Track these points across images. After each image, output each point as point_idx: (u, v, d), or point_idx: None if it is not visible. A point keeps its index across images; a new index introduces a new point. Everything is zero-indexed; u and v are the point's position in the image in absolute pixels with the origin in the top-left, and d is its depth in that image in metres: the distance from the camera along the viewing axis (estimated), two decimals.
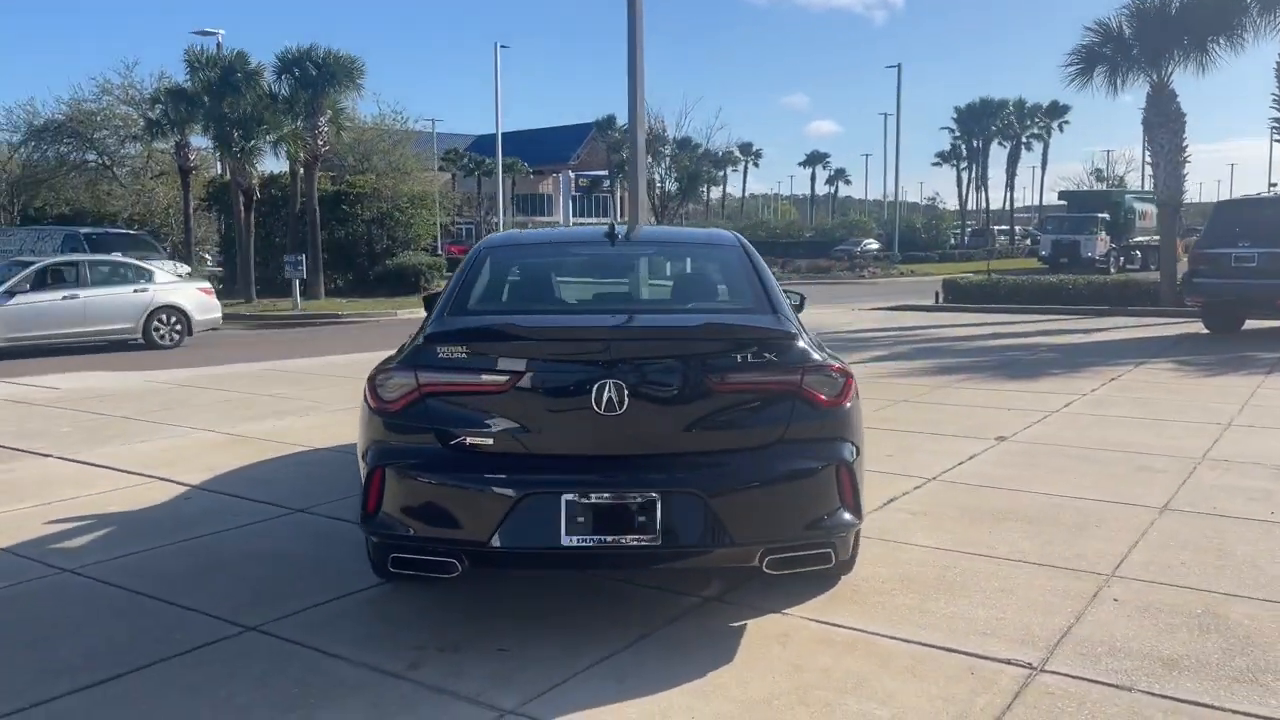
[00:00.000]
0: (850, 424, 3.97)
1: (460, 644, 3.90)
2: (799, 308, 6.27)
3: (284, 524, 5.53)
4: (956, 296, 23.48)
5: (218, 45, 30.82)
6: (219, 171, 33.93)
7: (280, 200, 30.06)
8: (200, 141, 30.00)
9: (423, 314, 4.48)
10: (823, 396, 3.84)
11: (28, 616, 4.22)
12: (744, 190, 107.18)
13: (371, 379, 3.89)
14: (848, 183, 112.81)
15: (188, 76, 27.27)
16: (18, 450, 7.52)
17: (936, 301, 23.56)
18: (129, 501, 6.03)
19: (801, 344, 3.86)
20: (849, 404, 3.94)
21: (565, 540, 3.62)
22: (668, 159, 48.76)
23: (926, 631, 4.02)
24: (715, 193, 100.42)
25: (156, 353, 15.63)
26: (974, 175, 76.14)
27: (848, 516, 3.88)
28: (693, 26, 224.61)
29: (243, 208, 27.05)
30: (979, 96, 73.52)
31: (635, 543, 3.63)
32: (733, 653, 3.81)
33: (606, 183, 65.14)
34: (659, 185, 48.31)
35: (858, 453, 4.01)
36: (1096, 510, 5.75)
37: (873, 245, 63.51)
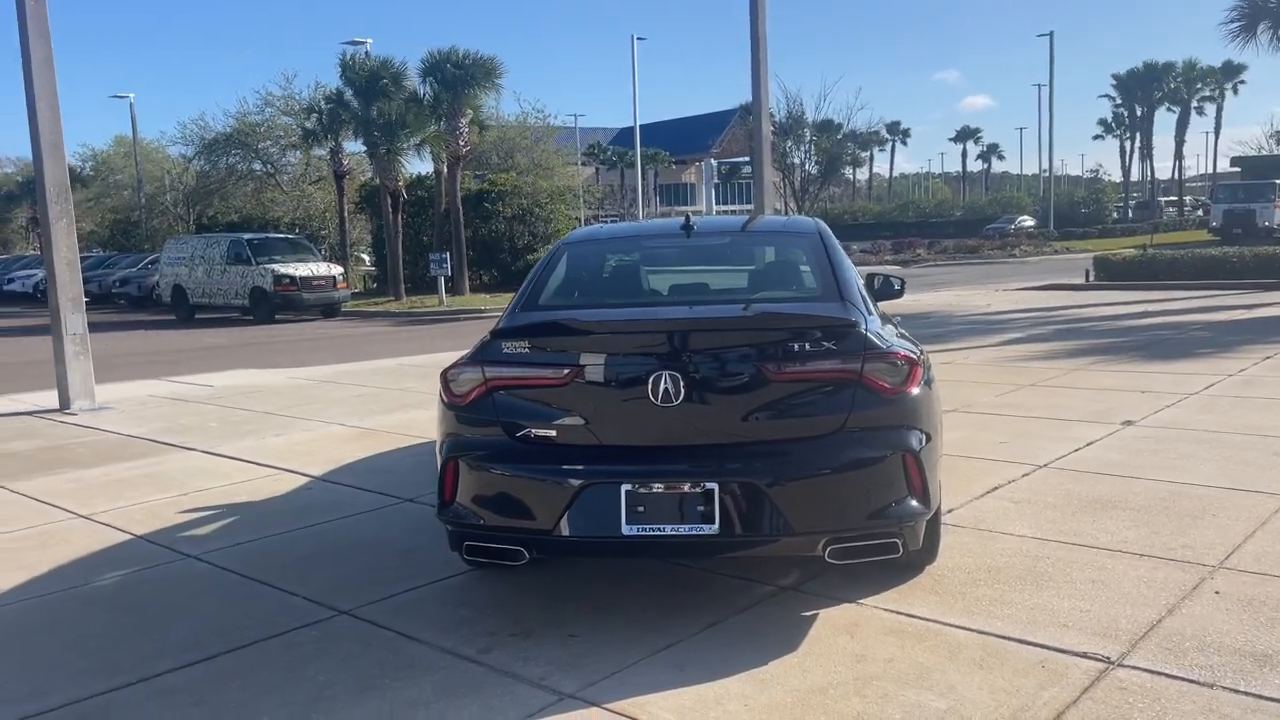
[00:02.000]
0: (918, 411, 3.90)
1: (533, 630, 4.03)
2: (897, 293, 6.18)
3: (391, 513, 5.80)
4: (1108, 274, 22.40)
5: (366, 54, 32.12)
6: (370, 175, 35.40)
7: (427, 200, 31.10)
8: (353, 147, 31.31)
9: None
10: (886, 384, 3.79)
11: (148, 600, 4.58)
12: (891, 170, 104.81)
13: (444, 375, 4.06)
14: (1001, 158, 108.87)
15: (339, 84, 28.50)
16: (169, 445, 8.11)
17: (1087, 280, 22.54)
18: (256, 492, 6.43)
19: (863, 331, 3.81)
20: (916, 391, 3.87)
21: (626, 529, 3.70)
22: (808, 142, 48.08)
23: (1003, 623, 3.92)
24: (863, 174, 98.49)
25: (302, 351, 16.48)
26: (1138, 144, 72.17)
27: (915, 505, 3.82)
28: (841, 6, 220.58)
29: (390, 209, 28.14)
30: (1141, 61, 69.64)
31: (694, 532, 3.68)
32: (798, 642, 3.82)
33: (746, 169, 64.67)
34: (799, 168, 47.72)
35: (928, 440, 3.95)
36: (1216, 498, 5.46)
37: (1028, 222, 61.07)
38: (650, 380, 3.69)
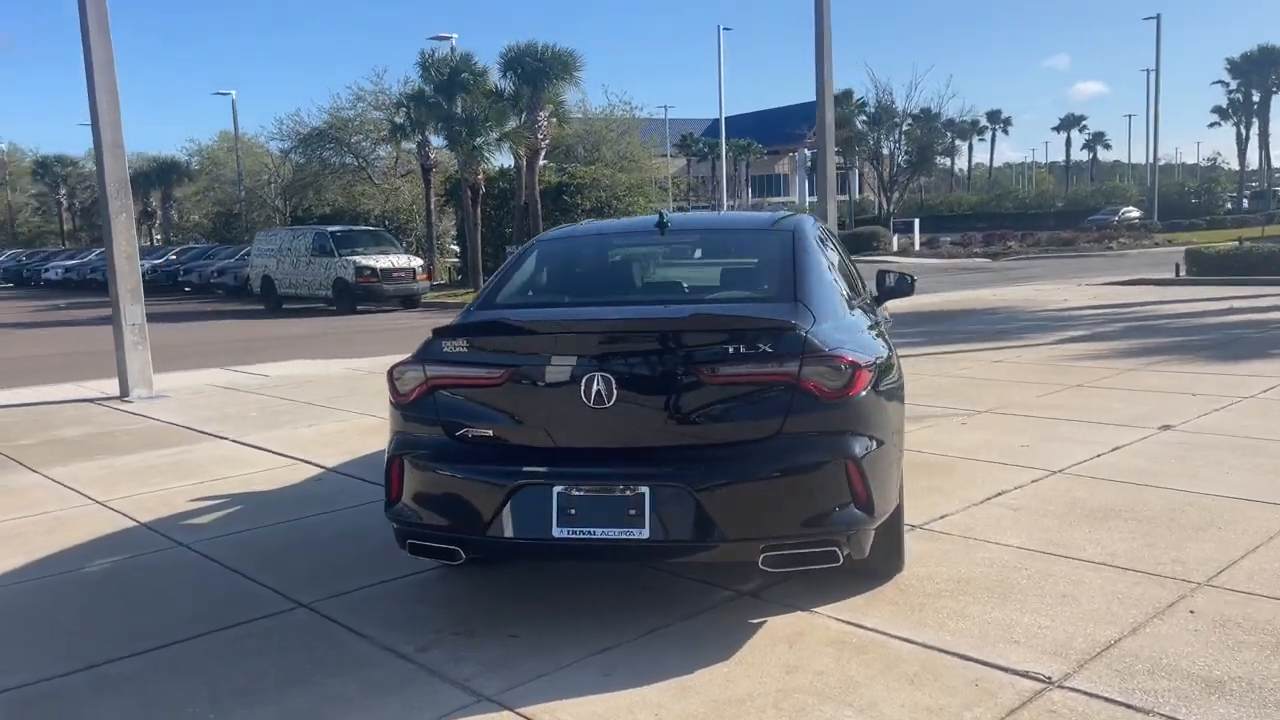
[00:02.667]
0: (863, 416, 3.78)
1: (477, 629, 4.04)
2: (906, 290, 6.03)
3: (380, 507, 5.87)
4: (1201, 268, 21.45)
5: (451, 49, 32.63)
6: (455, 169, 35.99)
7: (508, 193, 31.47)
8: (439, 141, 31.80)
9: None
10: (826, 388, 3.67)
11: (131, 586, 4.73)
12: (992, 159, 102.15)
13: (389, 373, 4.09)
14: (1107, 147, 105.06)
15: (419, 80, 29.02)
16: (205, 433, 8.37)
17: (1176, 274, 21.62)
18: (269, 482, 6.60)
19: (803, 333, 3.70)
20: (861, 395, 3.75)
21: (557, 532, 3.67)
22: (898, 131, 47.20)
23: (952, 637, 3.79)
24: (963, 163, 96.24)
25: (375, 341, 16.82)
26: (1254, 131, 68.91)
27: (857, 513, 3.71)
28: None
29: (470, 202, 28.54)
30: (1256, 44, 66.39)
31: (624, 536, 3.63)
32: (735, 650, 3.74)
33: (836, 159, 63.79)
34: (888, 159, 46.86)
35: (877, 446, 3.83)
36: (1230, 510, 5.18)
37: (1132, 213, 58.96)
38: (583, 381, 3.66)
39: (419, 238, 36.19)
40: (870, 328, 4.70)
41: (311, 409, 9.39)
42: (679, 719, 3.27)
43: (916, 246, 41.96)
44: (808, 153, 73.34)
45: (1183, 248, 25.06)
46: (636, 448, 3.72)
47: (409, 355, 4.09)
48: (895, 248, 41.76)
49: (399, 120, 32.26)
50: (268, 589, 4.59)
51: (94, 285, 39.46)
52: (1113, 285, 21.20)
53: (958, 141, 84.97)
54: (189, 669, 3.78)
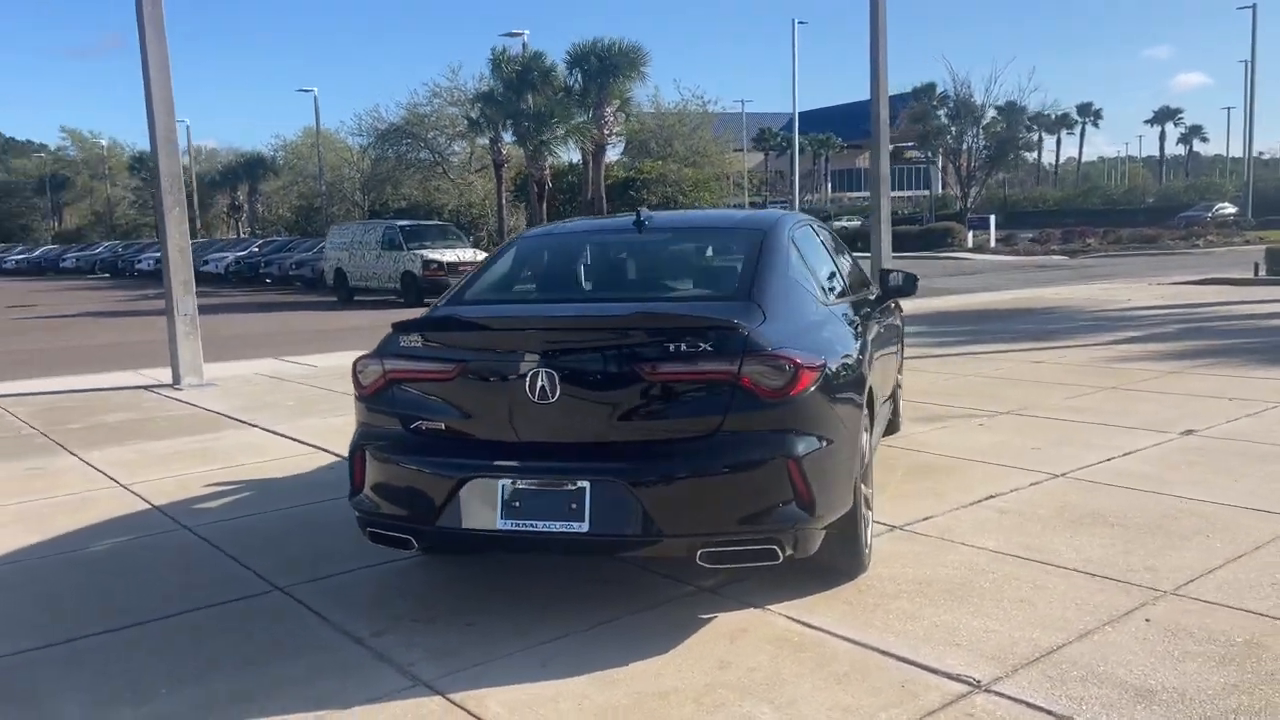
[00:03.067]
0: (808, 416, 3.80)
1: (438, 616, 4.16)
2: (907, 290, 6.00)
3: None
4: None
5: (524, 45, 33.03)
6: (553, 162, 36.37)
7: (577, 188, 31.77)
8: (510, 137, 32.25)
9: None
10: (766, 386, 3.70)
11: (128, 566, 4.97)
12: (1080, 153, 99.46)
13: (354, 366, 4.23)
14: (1204, 140, 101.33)
15: (489, 77, 29.44)
16: (236, 421, 8.68)
17: (1255, 274, 20.87)
18: (284, 469, 6.83)
19: (744, 332, 3.73)
20: (804, 395, 3.76)
21: (500, 524, 3.77)
22: (976, 125, 46.25)
23: (895, 639, 3.79)
24: (1048, 158, 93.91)
25: None
26: None
27: (798, 512, 3.73)
28: None
29: (536, 197, 28.88)
30: None
31: (565, 530, 3.71)
32: (675, 645, 3.79)
33: (909, 152, 62.75)
34: (965, 153, 45.98)
35: (826, 445, 3.84)
36: (1226, 518, 5.06)
37: (1227, 209, 56.89)
38: (528, 377, 3.74)
39: (490, 232, 36.75)
40: (849, 326, 4.69)
41: (346, 399, 9.60)
42: (600, 709, 3.33)
43: (992, 243, 41.11)
44: (891, 145, 72.53)
45: (1276, 246, 24.14)
46: (579, 443, 3.80)
47: (372, 349, 4.22)
48: (970, 244, 40.99)
49: (474, 116, 32.80)
50: (251, 572, 4.77)
51: None
52: (1185, 285, 20.55)
53: (1045, 135, 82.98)
54: (156, 646, 3.97)
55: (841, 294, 5.30)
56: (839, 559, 4.28)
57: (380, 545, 4.16)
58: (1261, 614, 3.89)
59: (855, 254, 6.87)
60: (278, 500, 6.03)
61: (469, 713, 3.33)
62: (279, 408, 9.31)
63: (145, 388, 10.90)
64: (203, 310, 10.37)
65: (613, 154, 43.51)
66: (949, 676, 3.47)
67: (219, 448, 7.62)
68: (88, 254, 53.78)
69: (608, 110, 28.83)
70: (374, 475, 4.05)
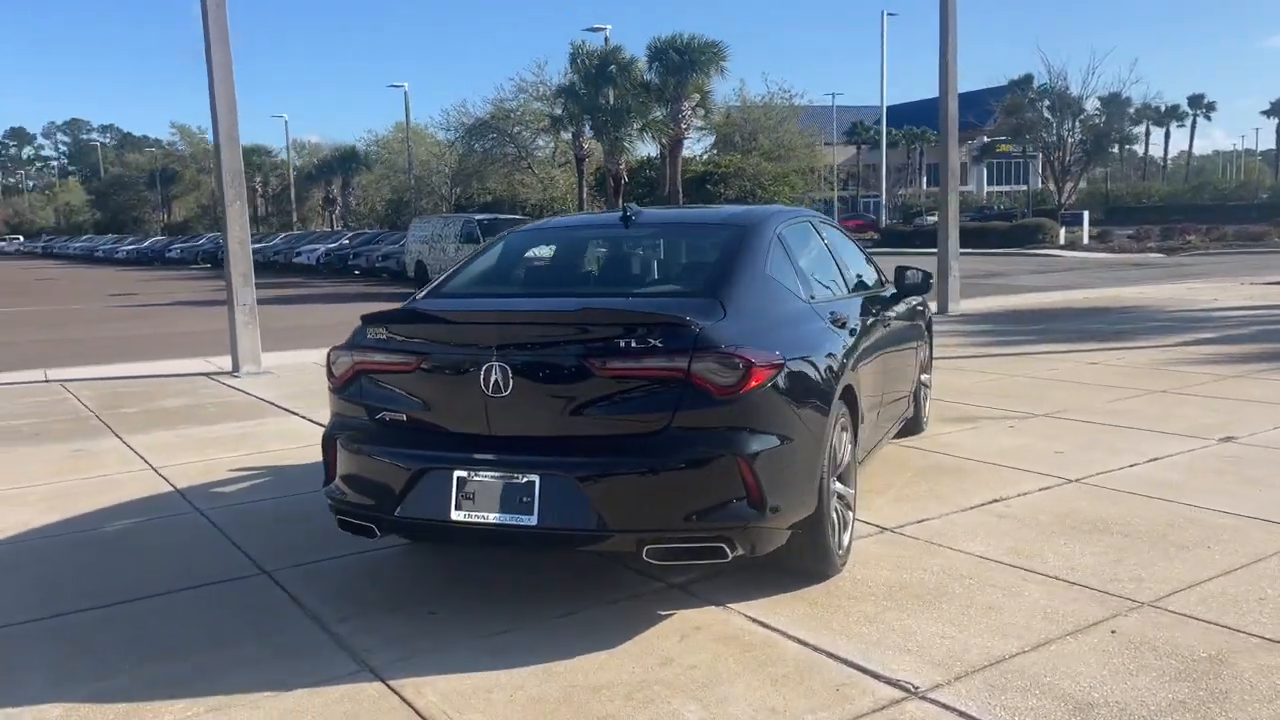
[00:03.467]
0: (760, 414, 3.77)
1: (405, 604, 4.24)
2: (920, 287, 5.91)
3: None
4: None
5: (605, 40, 33.20)
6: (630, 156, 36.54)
7: (654, 181, 31.80)
8: (590, 132, 32.45)
9: None
10: (717, 384, 3.68)
11: (134, 547, 5.18)
12: (1191, 146, 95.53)
13: (327, 356, 4.33)
14: None
15: (568, 73, 29.67)
16: (281, 408, 8.95)
17: None
18: (308, 456, 6.99)
19: (696, 329, 3.71)
20: (756, 392, 3.73)
21: (455, 515, 3.83)
22: (1072, 118, 44.84)
23: (847, 641, 3.74)
24: (1155, 151, 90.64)
25: None
26: None
27: (746, 510, 3.71)
28: None
29: (612, 191, 29.01)
30: None
31: (514, 522, 3.75)
32: (625, 640, 3.80)
33: (1007, 146, 61.11)
34: (1060, 147, 44.65)
35: (782, 443, 3.81)
36: (1233, 529, 4.86)
37: None
38: (482, 371, 3.79)
39: None
40: (834, 324, 4.62)
41: None
42: (531, 700, 3.37)
43: (1085, 240, 39.85)
44: (988, 139, 70.67)
45: None
46: (530, 437, 3.83)
47: (344, 340, 4.32)
48: (1062, 241, 39.80)
49: (558, 112, 33.12)
50: (245, 556, 4.93)
51: (274, 267, 42.23)
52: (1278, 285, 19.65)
53: (1153, 128, 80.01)
54: (133, 624, 4.13)
55: (839, 292, 5.24)
56: (806, 560, 4.24)
57: (350, 532, 4.25)
58: (1235, 629, 3.73)
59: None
60: (293, 486, 6.21)
61: (403, 700, 3.40)
62: (323, 396, 9.50)
63: (207, 375, 11.31)
64: (290, 300, 10.87)
65: (697, 148, 43.53)
66: (888, 682, 3.42)
67: (256, 433, 7.87)
68: (191, 245, 55.83)
69: (685, 105, 28.79)
70: (343, 464, 4.15)
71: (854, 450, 4.70)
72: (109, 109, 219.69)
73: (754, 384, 3.73)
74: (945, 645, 3.68)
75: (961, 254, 15.95)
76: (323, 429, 4.43)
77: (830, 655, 3.64)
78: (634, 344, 3.70)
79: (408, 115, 48.10)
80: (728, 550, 3.72)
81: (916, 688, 3.37)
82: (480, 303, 4.40)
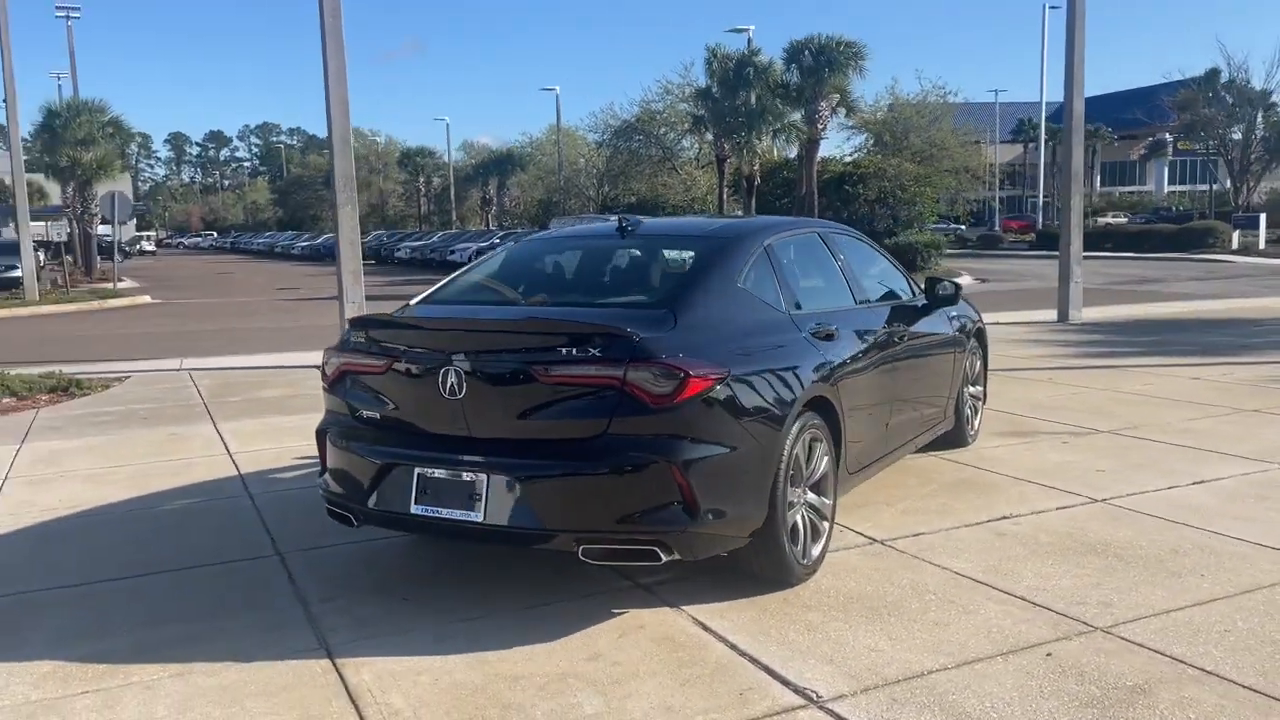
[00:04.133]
0: (696, 423, 3.87)
1: (383, 589, 4.54)
2: (949, 298, 5.88)
3: None
4: None
5: (749, 41, 33.22)
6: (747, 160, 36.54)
7: (791, 183, 31.59)
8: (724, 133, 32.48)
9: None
10: (650, 393, 3.81)
11: (180, 524, 5.68)
12: None
13: (322, 356, 4.67)
14: None
15: (705, 75, 29.80)
16: None
17: None
18: None
19: (636, 340, 3.84)
20: (692, 402, 3.85)
21: (414, 509, 4.10)
22: (1255, 114, 41.97)
23: (777, 648, 3.81)
24: None
25: None
26: None
27: (680, 516, 3.83)
28: None
29: (745, 192, 28.99)
30: None
31: (463, 518, 3.99)
32: (566, 634, 3.97)
33: (1185, 143, 57.54)
34: (1238, 146, 41.89)
35: (723, 451, 3.91)
36: (1239, 558, 4.66)
37: None
38: (440, 374, 4.04)
39: None
40: (814, 338, 4.65)
41: None
42: (452, 685, 3.59)
43: (1261, 245, 37.26)
44: (1169, 138, 66.77)
45: None
46: (481, 438, 4.05)
47: (335, 343, 4.65)
48: (1235, 245, 37.35)
49: (700, 113, 33.32)
50: (268, 538, 5.35)
51: (433, 264, 44.01)
52: None
53: None
54: (147, 594, 4.58)
55: (841, 304, 5.26)
56: (763, 567, 4.32)
57: (335, 521, 4.58)
58: (1178, 660, 3.62)
59: (1114, 255, 6.67)
60: None
61: (340, 677, 3.67)
62: None
63: (315, 366, 12.02)
64: None
65: (847, 146, 42.78)
66: (795, 690, 3.49)
67: None
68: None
69: (822, 105, 28.48)
70: (330, 458, 4.49)
71: (835, 461, 4.72)
72: (297, 112, 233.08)
73: (690, 393, 3.85)
74: (870, 658, 3.71)
75: (1121, 258, 15.42)
76: None
77: (753, 660, 3.73)
78: (575, 352, 3.87)
79: (559, 117, 49.41)
80: (661, 554, 3.85)
81: (819, 697, 3.43)
82: (452, 310, 4.66)
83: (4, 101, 26.60)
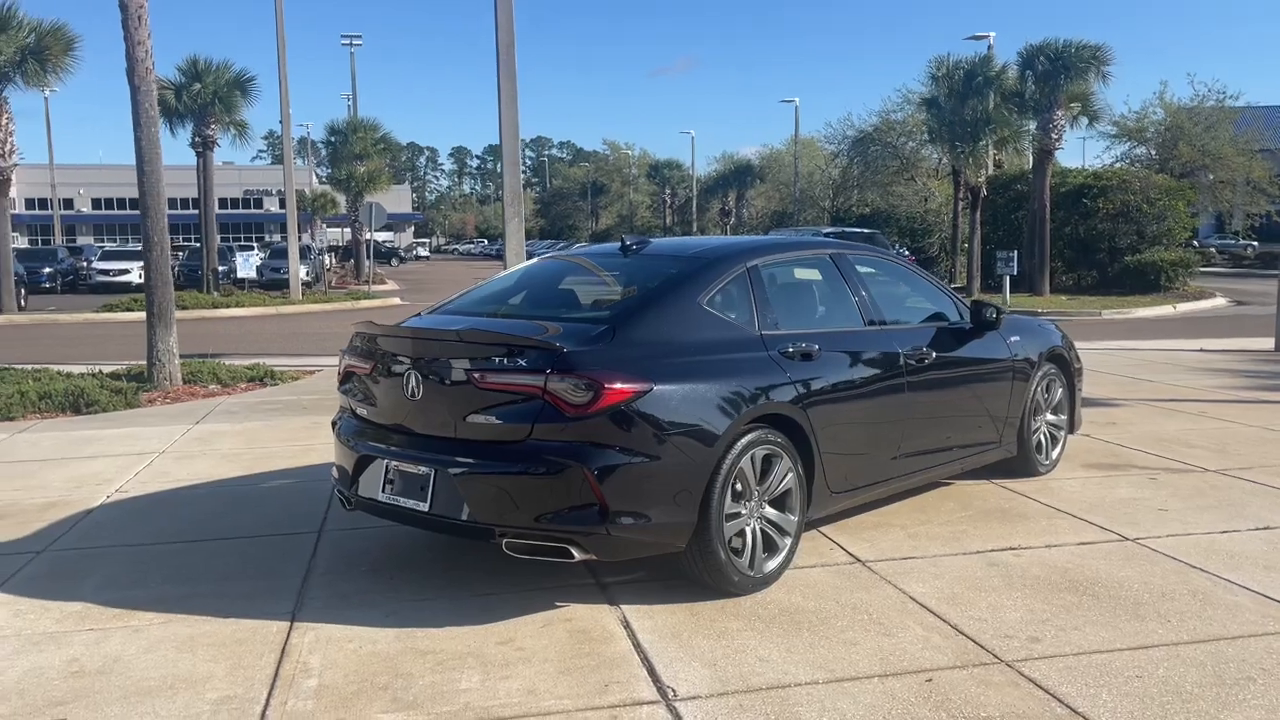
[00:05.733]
0: (614, 432, 4.11)
1: (378, 569, 5.05)
2: (989, 323, 5.81)
3: None
4: None
5: (989, 48, 32.03)
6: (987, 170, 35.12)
7: (1024, 195, 30.16)
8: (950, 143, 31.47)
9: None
10: (568, 402, 4.10)
11: (270, 500, 6.45)
12: None
13: (339, 356, 5.24)
14: None
15: (931, 85, 28.98)
16: None
17: None
18: None
19: (562, 352, 4.14)
20: (609, 412, 4.09)
21: (381, 496, 4.59)
22: None
23: (677, 650, 3.98)
24: None
25: None
26: None
27: (590, 518, 4.10)
28: None
29: (969, 205, 27.97)
30: None
31: (414, 506, 4.44)
32: (496, 620, 4.30)
33: None
34: None
35: (638, 459, 4.13)
36: (1231, 610, 4.38)
37: None
38: (404, 377, 4.51)
39: (942, 240, 36.03)
40: (781, 355, 4.74)
41: None
42: (370, 654, 4.02)
43: None
44: None
45: None
46: (432, 435, 4.48)
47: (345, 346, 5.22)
48: None
49: (932, 124, 32.47)
50: (322, 518, 6.01)
51: None
52: None
53: None
54: (190, 557, 5.30)
55: (842, 327, 5.30)
56: (703, 575, 4.49)
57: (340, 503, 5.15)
58: (1056, 698, 3.54)
59: None
60: None
61: (285, 638, 4.20)
62: None
63: None
64: None
65: (1107, 156, 40.02)
66: (658, 686, 3.69)
67: None
68: None
69: (1058, 114, 26.98)
70: (335, 448, 5.07)
71: (806, 480, 4.80)
72: (565, 126, 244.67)
73: (605, 403, 4.11)
74: (751, 667, 3.84)
75: None
76: None
77: (644, 658, 3.94)
78: (505, 362, 4.24)
79: (796, 129, 49.40)
80: (574, 552, 4.14)
81: (673, 695, 3.61)
82: (431, 320, 5.11)
83: (281, 122, 29.87)
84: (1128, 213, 28.65)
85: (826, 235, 27.21)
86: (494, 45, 12.52)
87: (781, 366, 4.76)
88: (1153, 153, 42.01)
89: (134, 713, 3.55)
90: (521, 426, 4.21)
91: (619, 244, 5.43)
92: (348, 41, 45.82)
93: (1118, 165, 40.31)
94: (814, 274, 5.50)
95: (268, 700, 3.64)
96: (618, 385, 4.14)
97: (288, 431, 8.76)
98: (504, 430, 4.26)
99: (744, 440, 4.49)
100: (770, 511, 4.69)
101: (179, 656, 4.02)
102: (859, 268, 5.66)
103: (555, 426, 4.15)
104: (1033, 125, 28.19)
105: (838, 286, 5.48)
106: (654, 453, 4.20)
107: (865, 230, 29.61)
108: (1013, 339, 6.35)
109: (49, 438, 8.74)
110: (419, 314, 5.46)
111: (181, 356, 11.78)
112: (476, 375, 4.29)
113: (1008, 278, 25.06)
